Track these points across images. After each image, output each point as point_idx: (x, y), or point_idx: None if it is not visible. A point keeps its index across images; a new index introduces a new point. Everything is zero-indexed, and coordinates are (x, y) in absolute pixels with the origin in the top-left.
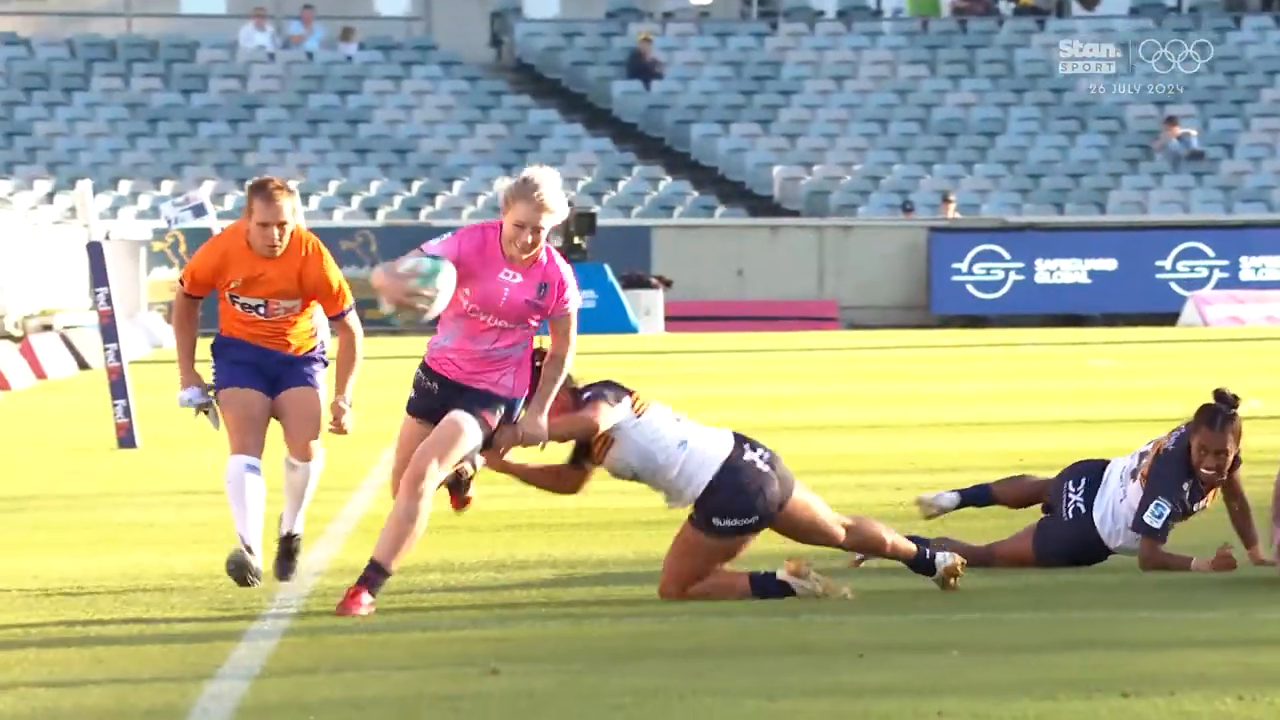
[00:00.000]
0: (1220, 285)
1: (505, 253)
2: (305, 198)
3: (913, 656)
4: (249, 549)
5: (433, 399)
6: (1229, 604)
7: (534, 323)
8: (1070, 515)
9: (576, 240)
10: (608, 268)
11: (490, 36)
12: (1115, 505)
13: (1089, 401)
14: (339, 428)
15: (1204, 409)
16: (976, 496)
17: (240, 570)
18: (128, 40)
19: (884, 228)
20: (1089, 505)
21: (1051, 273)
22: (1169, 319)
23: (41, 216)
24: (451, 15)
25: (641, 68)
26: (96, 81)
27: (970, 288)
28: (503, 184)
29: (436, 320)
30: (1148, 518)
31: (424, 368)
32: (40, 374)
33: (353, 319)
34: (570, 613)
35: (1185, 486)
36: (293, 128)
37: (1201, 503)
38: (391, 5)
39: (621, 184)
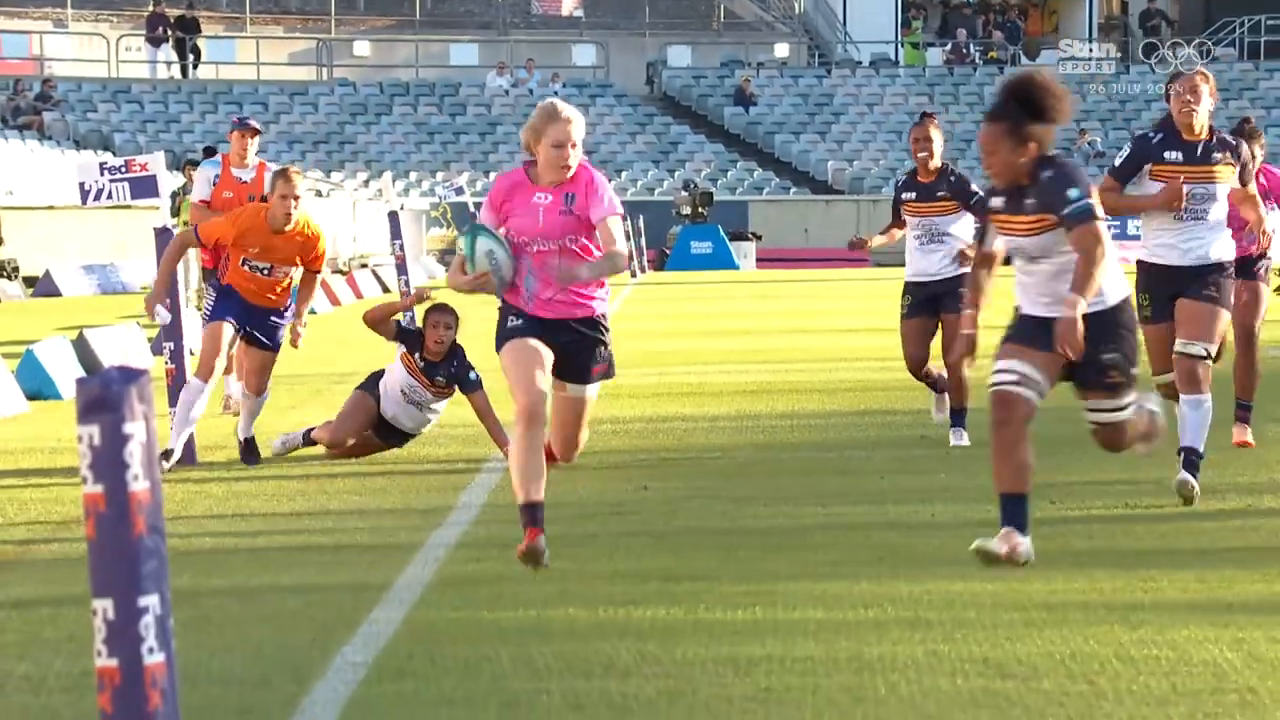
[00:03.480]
0: (1114, 238)
1: (541, 180)
2: None
3: (914, 478)
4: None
5: (533, 324)
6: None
7: (584, 240)
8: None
9: (700, 209)
10: (720, 227)
11: (646, 78)
12: None
13: None
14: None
15: None
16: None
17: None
18: (416, 83)
19: None
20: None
21: None
22: None
23: (360, 196)
24: (622, 64)
25: (743, 98)
26: (396, 109)
27: None
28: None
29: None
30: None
31: (511, 308)
32: (358, 295)
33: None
34: (695, 449)
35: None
36: (519, 139)
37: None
38: (583, 58)
39: (729, 173)
